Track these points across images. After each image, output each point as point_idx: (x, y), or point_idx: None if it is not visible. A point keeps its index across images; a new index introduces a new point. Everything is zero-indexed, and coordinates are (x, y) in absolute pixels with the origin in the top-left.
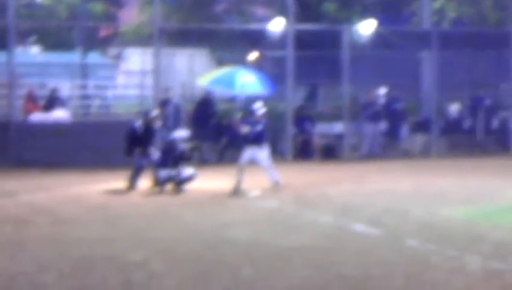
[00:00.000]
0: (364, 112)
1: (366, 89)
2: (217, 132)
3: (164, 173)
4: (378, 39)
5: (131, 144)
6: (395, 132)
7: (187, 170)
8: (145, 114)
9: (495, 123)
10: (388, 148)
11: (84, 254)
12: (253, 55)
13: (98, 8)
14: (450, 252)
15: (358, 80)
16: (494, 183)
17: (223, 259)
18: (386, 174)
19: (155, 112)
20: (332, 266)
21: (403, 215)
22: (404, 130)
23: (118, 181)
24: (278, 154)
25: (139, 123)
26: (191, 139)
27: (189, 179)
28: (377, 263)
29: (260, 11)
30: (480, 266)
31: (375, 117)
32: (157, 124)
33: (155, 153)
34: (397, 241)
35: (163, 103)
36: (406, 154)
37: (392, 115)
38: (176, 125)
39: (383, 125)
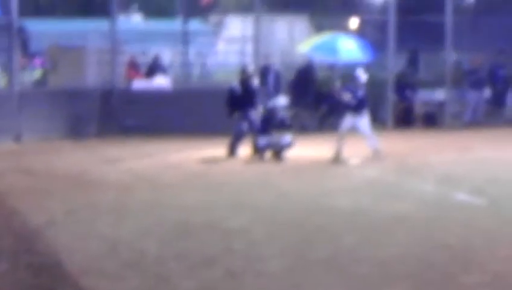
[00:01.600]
0: (468, 78)
1: (469, 55)
2: (317, 100)
3: (264, 140)
4: (482, 3)
5: (231, 105)
6: (499, 99)
7: (286, 138)
8: (242, 71)
9: None
10: (492, 116)
11: (184, 220)
12: (354, 22)
13: None
14: None
15: (462, 45)
16: None
17: (323, 227)
18: (490, 143)
19: (251, 68)
20: (434, 235)
21: (508, 184)
22: (510, 97)
23: (218, 148)
24: (378, 122)
25: (236, 83)
26: (290, 106)
27: (288, 146)
28: (480, 233)
29: None
30: None
31: (478, 84)
32: (255, 82)
33: (255, 117)
34: (502, 211)
35: (264, 70)
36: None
37: (496, 81)
38: (276, 92)
39: (486, 93)
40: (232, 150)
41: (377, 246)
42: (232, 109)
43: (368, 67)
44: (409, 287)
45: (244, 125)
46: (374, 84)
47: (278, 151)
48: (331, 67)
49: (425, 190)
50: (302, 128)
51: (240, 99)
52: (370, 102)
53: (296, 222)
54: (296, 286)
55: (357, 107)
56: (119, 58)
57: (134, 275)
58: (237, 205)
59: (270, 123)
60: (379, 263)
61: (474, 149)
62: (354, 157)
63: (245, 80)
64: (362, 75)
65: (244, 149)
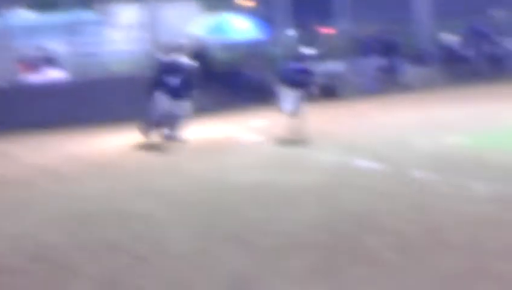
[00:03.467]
0: (362, 48)
1: (362, 26)
2: (214, 80)
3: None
4: None
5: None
6: (393, 67)
7: (182, 107)
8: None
9: (492, 50)
10: (388, 83)
11: (88, 209)
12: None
13: None
14: (456, 180)
15: (355, 16)
16: (496, 109)
17: (229, 204)
18: (388, 109)
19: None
20: (339, 203)
21: (406, 147)
22: (403, 64)
23: (120, 136)
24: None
25: (162, 55)
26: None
27: (183, 118)
28: (383, 197)
29: None
30: (487, 191)
31: (372, 53)
32: (183, 57)
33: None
34: (402, 174)
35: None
36: (407, 88)
37: (388, 49)
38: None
39: (380, 61)
40: (144, 133)
41: (283, 218)
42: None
43: (262, 44)
44: (316, 256)
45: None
46: (270, 61)
47: (171, 134)
48: (229, 47)
49: (327, 159)
50: (201, 110)
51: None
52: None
53: (202, 202)
54: (204, 265)
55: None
56: (9, 53)
57: (40, 268)
58: (142, 191)
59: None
60: (286, 235)
61: (373, 116)
62: (255, 134)
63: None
64: (306, 50)
65: (151, 134)
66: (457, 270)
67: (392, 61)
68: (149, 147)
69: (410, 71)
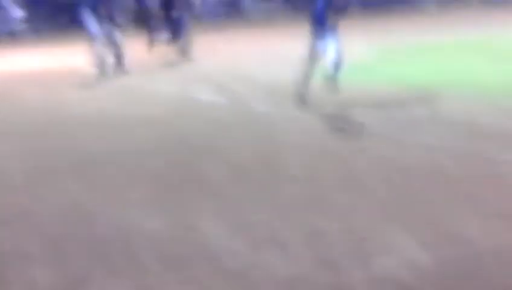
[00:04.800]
0: None
1: None
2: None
3: None
4: None
5: None
6: (236, 1)
7: None
8: None
9: None
10: (231, 17)
11: None
12: None
13: None
14: (295, 114)
15: None
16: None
17: (68, 136)
18: (231, 43)
19: None
20: (178, 135)
21: (248, 81)
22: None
23: None
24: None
25: None
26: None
27: None
28: (223, 130)
29: None
30: (325, 125)
31: None
32: None
33: None
34: (243, 107)
35: None
36: (250, 23)
37: None
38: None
39: None
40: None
41: (120, 151)
42: None
43: None
44: (154, 186)
45: None
46: None
47: None
48: None
49: (169, 91)
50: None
51: None
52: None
53: (40, 134)
54: (41, 195)
55: None
56: None
57: None
58: None
59: None
60: (122, 167)
61: (216, 49)
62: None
63: None
64: None
65: None
66: (294, 200)
67: None
68: None
69: (255, 6)
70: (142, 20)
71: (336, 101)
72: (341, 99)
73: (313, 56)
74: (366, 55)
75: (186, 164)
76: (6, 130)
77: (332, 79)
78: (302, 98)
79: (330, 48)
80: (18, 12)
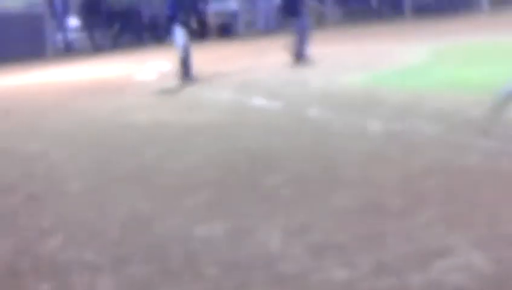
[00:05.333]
0: None
1: None
2: (110, 18)
3: None
4: None
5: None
6: (290, 7)
7: None
8: None
9: None
10: (285, 22)
11: None
12: None
13: None
14: (351, 118)
15: None
16: (391, 48)
17: (124, 143)
18: (283, 49)
19: None
20: (235, 141)
21: (303, 86)
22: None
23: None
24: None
25: None
26: (83, 28)
27: None
28: (278, 135)
29: None
30: (381, 129)
31: None
32: None
33: None
34: (298, 112)
35: None
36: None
37: None
38: (65, 13)
39: (276, 1)
40: None
41: (178, 157)
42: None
43: None
44: (211, 193)
45: None
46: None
47: None
48: None
49: (223, 98)
50: (96, 49)
51: None
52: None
53: (96, 141)
54: (99, 203)
55: None
56: None
57: None
58: (34, 130)
59: None
60: (182, 173)
61: (269, 55)
62: (150, 72)
63: None
64: None
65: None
66: (351, 206)
67: (289, 2)
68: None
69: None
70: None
71: (388, 105)
72: (392, 102)
73: None
74: (419, 59)
75: (244, 171)
76: (66, 139)
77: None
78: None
79: None
80: (74, 21)
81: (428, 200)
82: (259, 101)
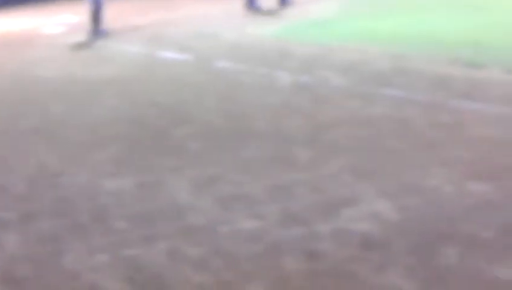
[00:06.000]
0: None
1: None
2: None
3: None
4: None
5: None
6: None
7: None
8: None
9: None
10: None
11: None
12: None
13: None
14: (261, 71)
15: None
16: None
17: (29, 97)
18: (197, 1)
19: None
20: (144, 94)
21: (213, 38)
22: None
23: None
24: None
25: None
26: None
27: None
28: (188, 87)
29: None
30: (291, 81)
31: None
32: None
33: None
34: (208, 64)
35: None
36: None
37: None
38: None
39: None
40: None
41: (86, 112)
42: None
43: None
44: (120, 148)
45: None
46: None
47: None
48: None
49: (132, 51)
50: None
51: None
52: None
53: (1, 95)
54: (4, 158)
55: None
56: None
57: None
58: None
59: None
60: (90, 128)
61: (180, 8)
62: (60, 26)
63: None
64: None
65: None
66: (260, 157)
67: None
68: None
69: None
70: None
71: (298, 57)
72: (301, 55)
73: None
74: (329, 11)
75: (153, 124)
76: None
77: None
78: None
79: None
80: None
81: (337, 150)
82: (170, 55)
